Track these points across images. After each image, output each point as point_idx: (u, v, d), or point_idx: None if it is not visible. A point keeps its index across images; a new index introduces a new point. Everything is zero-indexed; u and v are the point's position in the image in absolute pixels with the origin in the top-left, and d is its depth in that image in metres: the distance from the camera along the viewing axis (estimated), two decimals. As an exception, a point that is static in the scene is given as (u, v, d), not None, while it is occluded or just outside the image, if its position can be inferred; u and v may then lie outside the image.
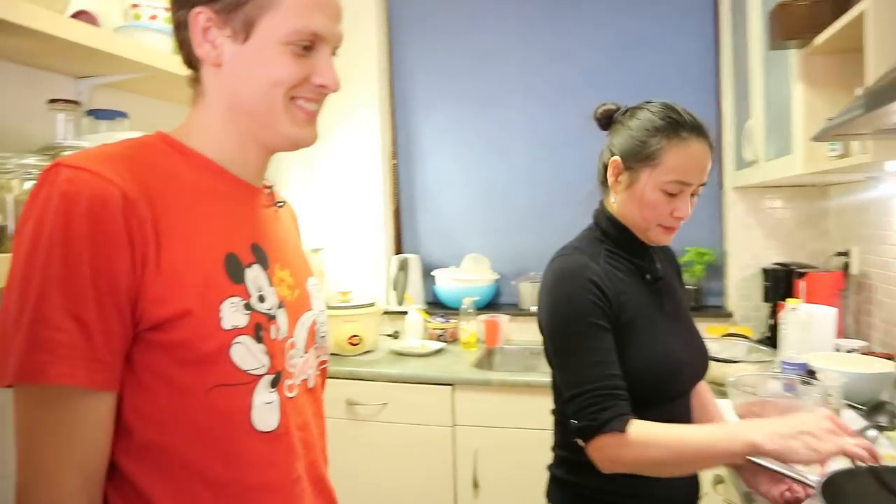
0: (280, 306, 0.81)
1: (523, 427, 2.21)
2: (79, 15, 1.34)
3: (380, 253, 3.03)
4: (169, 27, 1.44)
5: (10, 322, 0.67)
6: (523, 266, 2.97)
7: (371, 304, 2.64)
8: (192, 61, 0.81)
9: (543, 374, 2.29)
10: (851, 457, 0.94)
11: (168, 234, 0.72)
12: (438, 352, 2.61)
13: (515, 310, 2.90)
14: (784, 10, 1.54)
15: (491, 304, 2.97)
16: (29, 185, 1.10)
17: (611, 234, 1.25)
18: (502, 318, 2.73)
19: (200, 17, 0.77)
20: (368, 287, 2.97)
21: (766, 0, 2.01)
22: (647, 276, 1.25)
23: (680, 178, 1.16)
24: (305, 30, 0.77)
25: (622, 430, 1.04)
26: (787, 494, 1.12)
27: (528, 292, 2.89)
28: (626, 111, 1.27)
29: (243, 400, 0.75)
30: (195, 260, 0.73)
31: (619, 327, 1.16)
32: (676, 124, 1.16)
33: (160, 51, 1.43)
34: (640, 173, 1.18)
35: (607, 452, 1.07)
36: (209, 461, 0.74)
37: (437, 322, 2.79)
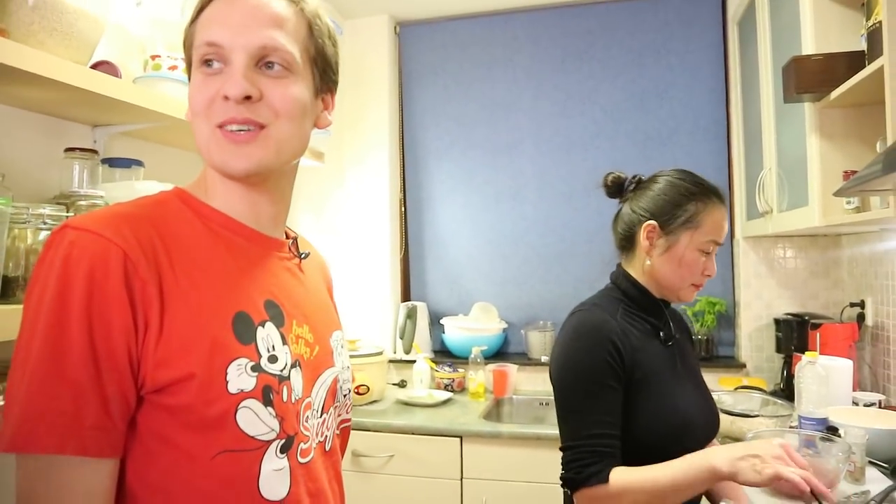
0: (295, 365, 0.78)
1: (533, 481, 2.16)
2: (100, 65, 1.35)
3: (387, 300, 3.00)
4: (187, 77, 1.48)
5: (10, 390, 0.66)
6: (532, 315, 2.94)
7: (379, 353, 2.60)
8: None
9: (553, 427, 2.24)
10: (789, 482, 1.02)
11: (173, 294, 0.70)
12: (446, 402, 2.57)
13: (524, 359, 2.86)
14: (799, 64, 1.55)
15: (499, 354, 2.94)
16: (43, 235, 1.08)
17: (631, 295, 1.30)
18: (511, 368, 2.70)
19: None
20: (375, 335, 2.93)
21: (777, 54, 2.04)
22: (661, 335, 1.30)
23: (715, 238, 1.26)
24: (200, 43, 0.75)
25: (604, 481, 1.11)
26: None
27: (538, 341, 2.85)
28: (639, 179, 1.34)
29: (251, 467, 0.71)
30: (202, 321, 0.71)
31: (632, 384, 1.20)
32: (707, 189, 1.26)
33: (179, 100, 1.44)
34: (679, 236, 1.25)
35: None
36: None
37: (445, 371, 2.76)
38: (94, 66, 1.33)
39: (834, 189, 1.46)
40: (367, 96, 3.01)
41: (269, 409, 0.73)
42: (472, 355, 2.71)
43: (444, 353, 2.98)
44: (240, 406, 0.70)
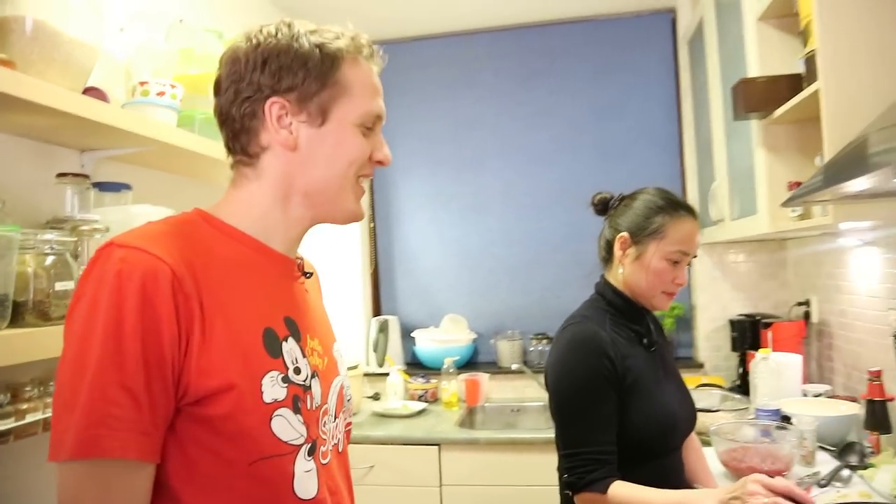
0: (314, 376, 0.84)
1: (511, 484, 2.23)
2: (89, 91, 1.38)
3: (359, 315, 3.05)
4: (175, 102, 1.52)
5: (64, 401, 0.69)
6: (500, 324, 3.03)
7: (355, 367, 2.65)
8: (246, 148, 0.85)
9: (526, 431, 2.35)
10: None
11: (211, 309, 0.75)
12: (421, 412, 2.63)
13: (494, 368, 2.95)
14: (746, 86, 1.70)
15: (470, 363, 3.02)
16: (50, 260, 1.12)
17: (615, 304, 1.39)
18: (483, 377, 2.77)
19: (275, 106, 0.82)
20: (348, 349, 2.96)
21: (725, 72, 2.19)
22: (645, 341, 1.39)
23: (681, 248, 1.35)
24: (371, 113, 0.87)
25: (603, 491, 1.21)
26: None
27: (507, 350, 2.94)
28: (623, 197, 1.45)
29: (286, 469, 0.77)
30: (236, 335, 0.76)
31: (624, 389, 1.29)
32: (675, 204, 1.37)
33: (166, 125, 1.48)
34: (647, 246, 1.35)
35: None
36: None
37: (418, 382, 2.82)
38: (84, 92, 1.36)
39: (780, 197, 1.60)
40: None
41: (298, 416, 0.79)
42: (445, 366, 2.78)
43: (416, 365, 3.04)
44: (274, 414, 0.76)
